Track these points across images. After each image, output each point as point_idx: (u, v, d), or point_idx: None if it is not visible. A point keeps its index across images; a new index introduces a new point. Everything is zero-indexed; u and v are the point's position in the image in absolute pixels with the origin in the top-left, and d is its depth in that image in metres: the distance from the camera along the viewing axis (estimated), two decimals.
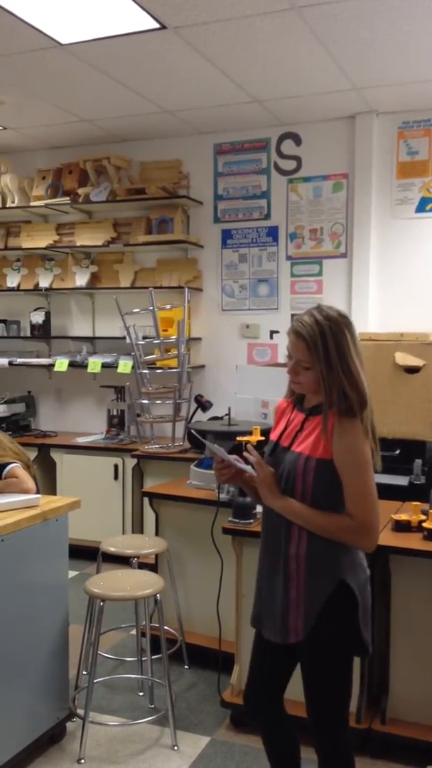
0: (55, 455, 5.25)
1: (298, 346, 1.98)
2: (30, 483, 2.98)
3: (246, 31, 3.54)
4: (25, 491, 2.93)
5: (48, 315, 5.73)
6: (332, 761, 2.07)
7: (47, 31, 3.56)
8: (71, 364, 5.43)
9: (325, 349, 1.92)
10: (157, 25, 3.47)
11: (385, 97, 4.51)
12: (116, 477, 5.02)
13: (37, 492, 3.01)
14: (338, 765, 2.07)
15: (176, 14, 3.37)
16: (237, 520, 3.00)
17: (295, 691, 2.14)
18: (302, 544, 1.98)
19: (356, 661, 2.77)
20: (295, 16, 3.38)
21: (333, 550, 1.96)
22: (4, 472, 3.01)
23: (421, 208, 4.73)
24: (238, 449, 2.38)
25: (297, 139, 5.03)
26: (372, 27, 3.50)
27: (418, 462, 3.90)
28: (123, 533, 4.91)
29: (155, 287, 5.02)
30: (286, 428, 2.11)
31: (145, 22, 3.43)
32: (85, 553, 4.48)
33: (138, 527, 5.01)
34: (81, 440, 5.27)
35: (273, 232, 5.14)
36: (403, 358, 3.97)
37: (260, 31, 3.55)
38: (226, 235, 5.28)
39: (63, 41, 3.68)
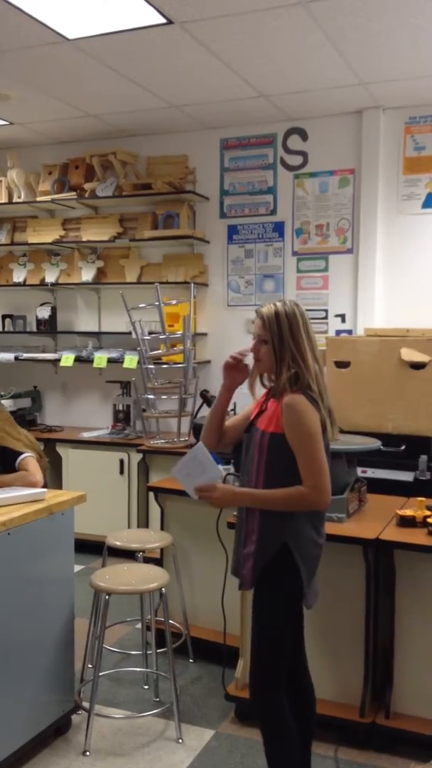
0: (61, 450, 5.27)
1: (258, 323, 2.32)
2: (38, 476, 3.00)
3: (253, 25, 3.54)
4: (33, 485, 2.95)
5: (54, 310, 5.74)
6: (262, 717, 2.33)
7: (54, 26, 3.56)
8: (77, 359, 5.44)
9: (279, 326, 2.25)
10: (164, 20, 3.47)
11: (392, 92, 4.50)
12: (122, 472, 5.03)
13: (46, 484, 3.03)
14: (264, 722, 2.31)
15: (183, 9, 3.37)
16: None
17: None
18: (254, 511, 2.29)
19: (360, 656, 2.82)
20: (303, 11, 3.37)
21: (280, 518, 2.23)
22: (17, 462, 3.03)
23: (427, 203, 4.72)
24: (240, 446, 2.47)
25: (303, 135, 5.03)
26: (379, 22, 3.49)
27: (424, 458, 3.91)
28: (128, 528, 4.92)
29: (161, 282, 5.02)
30: (262, 411, 2.38)
31: (152, 17, 3.43)
32: (90, 548, 4.48)
33: (143, 522, 5.02)
34: (87, 435, 5.29)
35: (279, 228, 5.14)
36: (409, 354, 3.97)
37: (267, 26, 3.55)
38: (232, 230, 5.28)
39: (70, 36, 3.68)
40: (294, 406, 2.20)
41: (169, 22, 3.49)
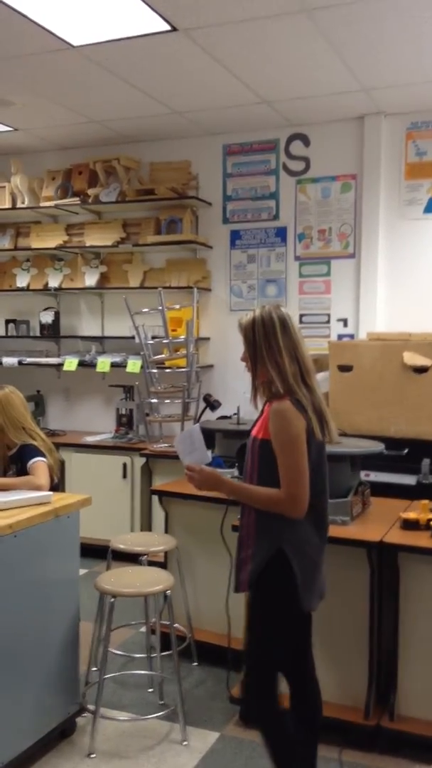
0: (64, 454, 5.28)
1: (241, 335, 2.37)
2: (45, 480, 3.03)
3: (256, 33, 3.57)
4: (37, 488, 2.97)
5: (57, 315, 5.77)
6: (258, 722, 2.36)
7: (59, 33, 3.59)
8: (80, 364, 5.47)
9: (253, 333, 2.29)
10: (168, 27, 3.50)
11: (394, 99, 4.53)
12: (125, 476, 5.05)
13: (58, 481, 3.07)
14: (262, 726, 2.34)
15: (187, 16, 3.40)
16: None
17: None
18: (252, 515, 2.32)
19: (364, 658, 2.83)
20: (306, 18, 3.41)
21: (278, 522, 2.23)
22: (29, 465, 3.07)
23: (429, 208, 4.75)
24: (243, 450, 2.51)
25: (305, 140, 5.06)
26: (381, 29, 3.52)
27: (426, 461, 3.93)
28: (131, 531, 4.94)
29: (164, 287, 5.05)
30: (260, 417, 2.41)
31: (157, 24, 3.46)
32: (93, 551, 4.50)
33: (146, 525, 5.04)
34: (90, 439, 5.31)
35: (281, 233, 5.16)
36: (412, 358, 3.99)
37: (270, 33, 3.58)
38: (235, 235, 5.31)
39: (75, 43, 3.71)
40: (278, 414, 2.21)
41: (174, 29, 3.52)
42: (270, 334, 2.26)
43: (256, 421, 2.37)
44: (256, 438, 2.30)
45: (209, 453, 2.56)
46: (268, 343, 2.26)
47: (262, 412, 2.35)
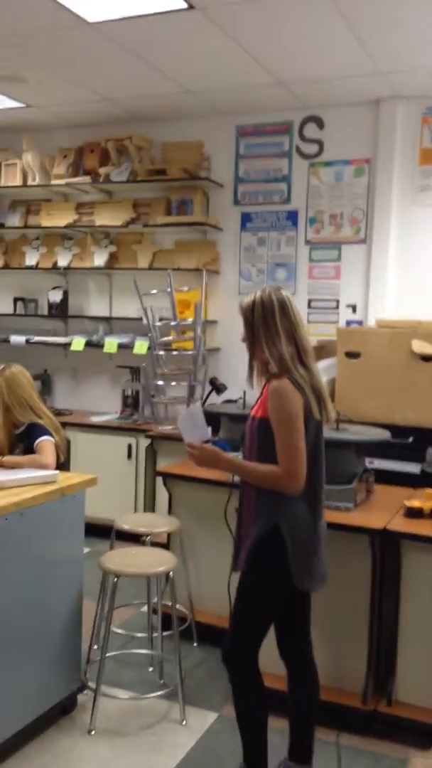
0: (70, 433, 5.26)
1: (241, 317, 2.40)
2: (51, 459, 3.05)
3: (274, 12, 3.52)
4: (44, 467, 2.98)
5: (66, 294, 5.76)
6: (233, 684, 2.41)
7: (74, 9, 3.55)
8: (88, 344, 5.47)
9: (252, 314, 2.33)
10: (185, 5, 3.46)
11: (410, 82, 4.47)
12: (129, 456, 5.07)
13: (64, 460, 3.08)
14: (235, 689, 2.40)
15: None
16: None
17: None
18: (252, 494, 2.36)
19: (364, 643, 2.84)
20: None
21: (274, 500, 2.29)
22: (36, 444, 3.08)
23: None
24: None
25: (320, 123, 5.01)
26: (401, 11, 3.47)
27: (431, 450, 3.92)
28: (135, 512, 4.96)
29: (173, 269, 5.03)
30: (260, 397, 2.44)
31: (174, 1, 3.42)
32: (95, 531, 4.49)
33: (150, 506, 5.06)
34: (95, 419, 5.32)
35: (293, 216, 5.13)
36: (420, 346, 3.97)
37: (288, 13, 3.53)
38: (246, 218, 5.27)
39: (90, 19, 3.67)
40: (276, 392, 2.25)
41: (191, 7, 3.48)
42: (268, 316, 2.30)
43: (256, 402, 2.41)
44: (254, 417, 2.35)
45: (209, 430, 2.61)
46: (266, 325, 2.30)
47: (262, 393, 2.39)
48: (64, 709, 2.91)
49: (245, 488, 2.41)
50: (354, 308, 4.98)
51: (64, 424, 5.28)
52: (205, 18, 3.61)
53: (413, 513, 2.88)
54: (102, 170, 5.44)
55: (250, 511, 2.36)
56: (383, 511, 3.01)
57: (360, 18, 3.56)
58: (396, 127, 4.74)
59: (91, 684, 2.97)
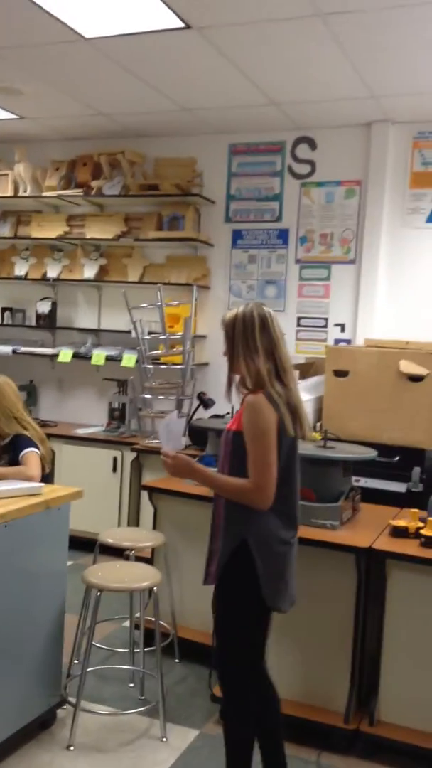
0: (55, 445, 5.23)
1: (223, 330, 2.43)
2: (36, 472, 3.03)
3: (269, 34, 3.57)
4: (29, 479, 2.97)
5: (54, 305, 5.75)
6: (228, 704, 2.38)
7: (72, 25, 3.58)
8: (75, 355, 5.46)
9: (233, 329, 2.36)
10: (183, 25, 3.50)
11: (402, 107, 4.55)
12: (114, 470, 5.05)
13: (50, 471, 3.06)
14: (232, 709, 2.36)
15: (202, 15, 3.40)
16: None
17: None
18: (222, 508, 2.37)
19: (347, 662, 2.84)
20: (320, 23, 3.41)
21: (244, 515, 2.28)
22: (21, 456, 3.06)
23: None
24: None
25: (312, 144, 5.07)
26: (394, 37, 3.53)
27: (417, 470, 3.94)
28: (118, 526, 4.93)
29: (163, 283, 5.04)
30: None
31: (171, 21, 3.46)
32: (79, 544, 4.48)
33: (134, 521, 5.03)
34: (81, 431, 5.30)
35: (283, 235, 5.17)
36: (408, 367, 4.00)
37: (283, 36, 3.58)
38: (237, 235, 5.31)
39: (87, 35, 3.70)
40: (250, 406, 2.28)
41: (187, 27, 3.52)
42: (248, 331, 2.33)
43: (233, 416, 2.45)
44: (229, 430, 2.38)
45: (184, 440, 2.65)
46: (246, 340, 2.33)
47: (240, 407, 2.41)
48: (44, 723, 2.88)
49: (217, 502, 2.42)
50: (343, 327, 5.02)
51: (50, 436, 5.25)
52: (201, 38, 3.66)
53: (399, 532, 2.89)
54: (94, 183, 5.46)
55: (220, 524, 2.37)
56: (369, 529, 3.02)
57: (353, 43, 3.62)
58: (387, 150, 4.81)
59: (71, 699, 2.94)
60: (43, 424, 5.55)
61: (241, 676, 2.35)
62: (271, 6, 3.27)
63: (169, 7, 3.33)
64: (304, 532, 2.92)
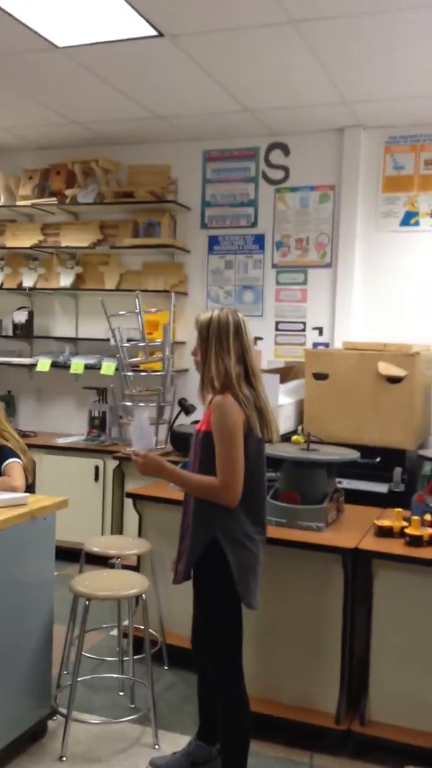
0: (36, 455, 5.14)
1: (196, 331, 2.50)
2: (20, 482, 3.01)
3: (242, 42, 3.60)
4: (13, 489, 2.95)
5: (31, 314, 5.72)
6: (224, 701, 2.46)
7: (44, 34, 3.58)
8: (53, 365, 5.43)
9: (208, 331, 2.44)
10: (155, 33, 3.51)
11: (374, 112, 4.61)
12: (96, 478, 5.02)
13: (32, 481, 3.04)
14: (228, 705, 2.45)
15: (175, 23, 3.42)
16: None
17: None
18: (191, 506, 2.46)
19: (337, 663, 2.86)
20: (292, 30, 3.45)
21: (212, 513, 2.38)
22: (3, 466, 3.04)
23: (405, 221, 4.83)
24: None
25: (285, 150, 5.11)
26: (364, 44, 3.58)
27: (398, 470, 3.99)
28: (102, 534, 4.91)
29: (141, 290, 5.04)
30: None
31: (143, 29, 3.47)
32: (62, 554, 4.44)
33: (117, 529, 5.01)
34: (61, 441, 5.27)
35: (259, 240, 5.20)
36: (386, 368, 4.05)
37: (256, 43, 3.62)
38: (213, 241, 5.33)
39: (59, 44, 3.70)
40: (219, 406, 2.36)
41: (160, 35, 3.53)
42: (223, 335, 2.42)
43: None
44: (199, 431, 2.47)
45: (154, 440, 2.72)
46: (220, 342, 2.41)
47: (208, 408, 2.49)
48: (34, 735, 2.85)
49: (187, 501, 2.51)
50: (320, 331, 5.06)
51: (30, 446, 5.20)
52: (174, 46, 3.68)
53: (384, 532, 2.92)
54: (68, 192, 5.45)
55: (189, 523, 2.46)
56: (354, 530, 3.04)
57: (325, 49, 3.67)
58: (359, 155, 4.86)
59: (62, 709, 2.92)
60: (23, 434, 5.50)
61: (232, 665, 2.46)
62: (244, 13, 3.30)
63: (142, 16, 3.34)
64: (290, 534, 2.96)
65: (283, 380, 4.30)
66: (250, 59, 3.82)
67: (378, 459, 4.00)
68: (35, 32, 3.56)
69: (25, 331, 5.70)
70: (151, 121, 4.91)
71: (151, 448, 2.63)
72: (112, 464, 4.94)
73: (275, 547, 2.90)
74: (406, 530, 2.84)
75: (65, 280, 5.55)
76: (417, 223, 4.81)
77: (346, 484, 3.92)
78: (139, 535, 3.68)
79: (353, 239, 4.90)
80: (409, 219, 4.82)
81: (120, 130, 5.15)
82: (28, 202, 5.52)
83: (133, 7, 3.26)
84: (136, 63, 3.93)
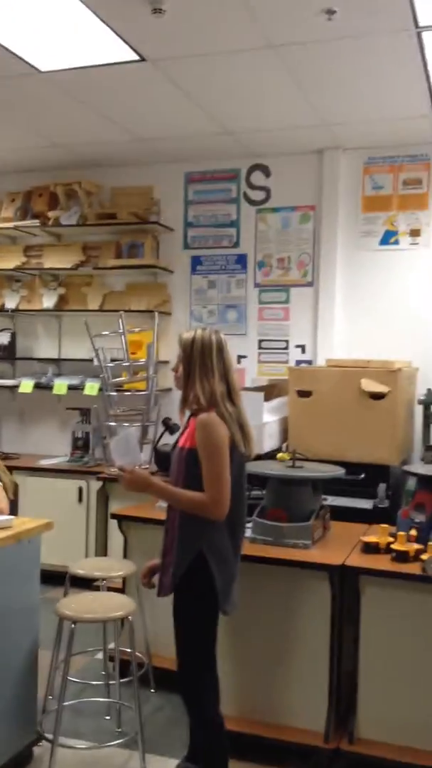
0: (18, 477, 5.16)
1: (179, 349, 2.55)
2: (4, 503, 2.98)
3: (223, 66, 3.66)
4: None
5: (13, 336, 5.71)
6: (190, 706, 2.55)
7: (27, 58, 3.61)
8: (36, 386, 5.41)
9: (191, 349, 2.49)
10: (137, 57, 3.56)
11: (352, 134, 4.69)
12: (80, 500, 4.99)
13: (13, 499, 3.04)
14: (195, 710, 2.53)
15: (156, 48, 3.47)
16: None
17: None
18: (176, 521, 2.50)
19: (325, 681, 2.85)
20: (272, 54, 3.51)
21: (197, 527, 2.43)
22: None
23: (384, 240, 4.90)
24: None
25: (266, 171, 5.18)
26: (342, 67, 3.66)
27: (382, 486, 4.00)
28: (86, 557, 4.86)
29: (124, 310, 5.05)
30: (185, 429, 2.60)
31: (126, 54, 3.52)
32: (46, 577, 4.40)
33: (102, 550, 4.97)
34: (44, 462, 5.24)
35: (242, 260, 5.25)
36: (369, 385, 4.08)
37: (236, 67, 3.68)
38: (196, 261, 5.37)
39: (42, 68, 3.73)
40: (204, 423, 2.41)
41: (142, 59, 3.58)
42: (206, 353, 2.48)
43: (181, 434, 2.57)
44: (183, 447, 2.50)
45: (142, 456, 2.73)
46: (203, 361, 2.47)
47: (187, 425, 2.54)
48: (20, 763, 2.80)
49: (171, 516, 2.55)
50: (303, 348, 5.10)
51: (12, 468, 5.18)
52: (155, 70, 3.73)
53: (370, 548, 2.92)
54: (51, 214, 5.46)
55: (175, 537, 2.49)
56: (340, 547, 3.05)
57: (304, 73, 3.74)
58: (339, 176, 4.94)
59: (48, 735, 2.87)
60: (5, 456, 5.47)
61: (201, 673, 2.52)
62: (225, 38, 3.36)
63: (125, 41, 3.39)
64: (278, 552, 2.96)
65: (267, 398, 4.32)
66: (230, 83, 3.88)
67: (362, 475, 4.01)
68: (18, 56, 3.59)
69: (7, 353, 5.69)
70: (133, 144, 4.95)
71: (139, 464, 2.63)
72: (95, 485, 4.92)
73: (262, 566, 2.91)
74: (392, 546, 2.85)
75: (48, 301, 5.55)
76: (396, 242, 4.88)
77: (331, 500, 3.91)
78: (125, 556, 3.66)
79: (334, 258, 4.96)
80: (388, 238, 4.89)
81: (102, 152, 5.19)
82: (10, 224, 5.53)
83: (115, 32, 3.31)
84: (118, 87, 3.98)
